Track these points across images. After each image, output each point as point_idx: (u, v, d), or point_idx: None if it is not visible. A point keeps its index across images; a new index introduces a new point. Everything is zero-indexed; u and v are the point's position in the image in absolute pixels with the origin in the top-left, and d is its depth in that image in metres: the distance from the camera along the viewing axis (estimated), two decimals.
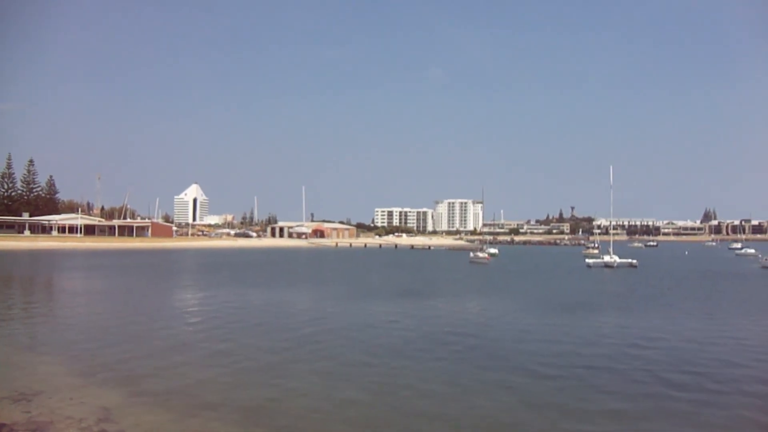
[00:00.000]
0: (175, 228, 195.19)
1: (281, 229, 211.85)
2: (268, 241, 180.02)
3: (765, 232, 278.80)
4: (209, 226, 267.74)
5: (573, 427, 13.83)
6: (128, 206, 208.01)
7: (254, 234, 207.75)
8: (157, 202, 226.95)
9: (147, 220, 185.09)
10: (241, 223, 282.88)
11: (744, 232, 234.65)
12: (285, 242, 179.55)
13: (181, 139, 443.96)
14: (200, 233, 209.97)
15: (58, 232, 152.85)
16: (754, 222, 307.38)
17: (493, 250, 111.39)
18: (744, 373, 19.14)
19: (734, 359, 21.18)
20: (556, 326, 28.49)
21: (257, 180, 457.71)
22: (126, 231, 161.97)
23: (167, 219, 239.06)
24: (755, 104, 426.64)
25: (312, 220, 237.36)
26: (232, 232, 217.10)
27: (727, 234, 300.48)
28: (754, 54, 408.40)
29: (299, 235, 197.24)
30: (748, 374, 18.96)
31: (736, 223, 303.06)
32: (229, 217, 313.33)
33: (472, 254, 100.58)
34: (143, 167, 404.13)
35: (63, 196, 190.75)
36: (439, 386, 17.07)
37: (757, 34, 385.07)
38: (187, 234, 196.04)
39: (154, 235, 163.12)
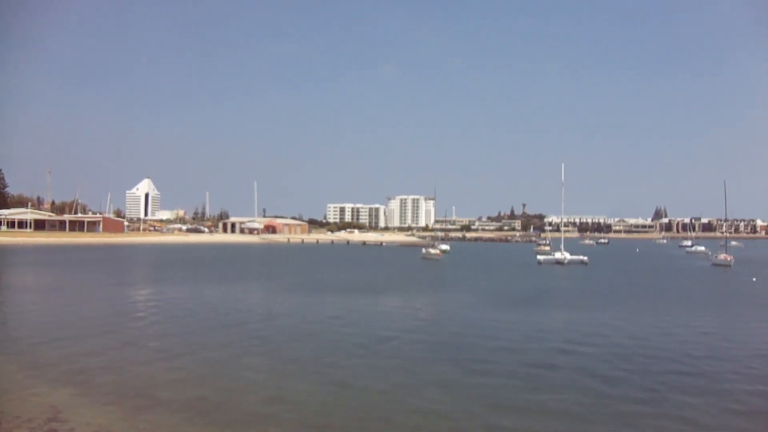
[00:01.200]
0: (126, 223, 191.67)
1: (233, 225, 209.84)
2: (219, 237, 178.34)
3: (714, 230, 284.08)
4: (161, 221, 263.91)
5: (509, 423, 14.35)
6: (79, 201, 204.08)
7: (206, 229, 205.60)
8: (108, 197, 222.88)
9: (98, 215, 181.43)
10: (193, 218, 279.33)
11: (694, 230, 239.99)
12: (237, 238, 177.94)
13: (133, 133, 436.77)
14: (152, 228, 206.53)
15: (7, 227, 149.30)
16: (704, 220, 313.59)
17: (444, 247, 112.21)
18: (689, 370, 19.77)
19: (678, 356, 21.93)
20: (503, 322, 29.25)
21: (209, 175, 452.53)
22: (77, 226, 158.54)
23: (119, 214, 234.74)
24: (706, 103, 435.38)
25: (264, 216, 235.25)
26: (184, 227, 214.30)
27: (678, 232, 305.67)
28: (705, 53, 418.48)
29: (251, 231, 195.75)
30: (693, 371, 19.53)
31: (687, 221, 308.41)
32: (181, 213, 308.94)
33: (424, 250, 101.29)
34: (95, 161, 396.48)
35: (12, 190, 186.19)
36: (385, 381, 17.57)
37: (708, 31, 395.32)
38: (138, 229, 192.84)
39: (105, 230, 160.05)
